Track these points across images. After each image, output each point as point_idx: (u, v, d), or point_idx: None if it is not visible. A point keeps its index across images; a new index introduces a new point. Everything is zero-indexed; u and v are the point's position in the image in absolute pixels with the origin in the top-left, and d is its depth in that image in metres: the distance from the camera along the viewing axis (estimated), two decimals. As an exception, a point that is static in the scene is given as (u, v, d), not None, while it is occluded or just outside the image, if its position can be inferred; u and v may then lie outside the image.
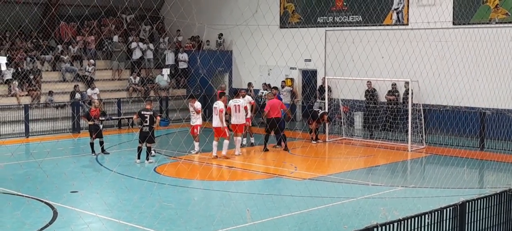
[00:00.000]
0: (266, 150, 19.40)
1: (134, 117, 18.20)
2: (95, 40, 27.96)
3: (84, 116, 19.85)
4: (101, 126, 19.08)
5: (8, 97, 23.60)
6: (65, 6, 25.59)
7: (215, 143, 18.27)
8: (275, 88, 22.24)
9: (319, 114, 21.15)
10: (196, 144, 18.77)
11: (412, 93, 20.61)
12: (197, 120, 18.70)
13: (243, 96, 19.87)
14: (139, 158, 17.53)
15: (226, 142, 18.19)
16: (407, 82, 22.71)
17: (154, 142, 17.75)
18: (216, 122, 18.24)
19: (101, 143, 18.72)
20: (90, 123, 18.66)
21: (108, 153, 18.90)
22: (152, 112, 17.51)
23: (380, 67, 20.26)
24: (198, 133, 18.71)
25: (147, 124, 17.25)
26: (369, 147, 20.18)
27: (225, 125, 18.31)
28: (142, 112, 17.53)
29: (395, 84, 22.94)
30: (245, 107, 19.24)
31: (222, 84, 26.02)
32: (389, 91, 23.26)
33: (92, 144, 18.63)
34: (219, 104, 18.28)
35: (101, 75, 27.21)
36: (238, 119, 18.67)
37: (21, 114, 22.91)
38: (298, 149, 19.63)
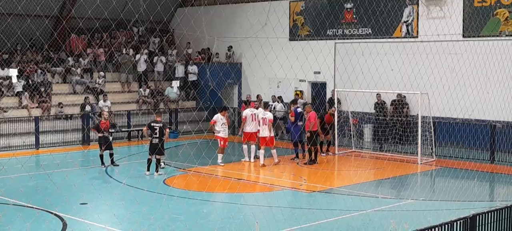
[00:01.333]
0: (314, 161, 19.43)
1: (144, 129, 18.25)
2: (105, 53, 28.10)
3: (93, 128, 19.92)
4: (111, 138, 19.15)
5: (19, 110, 23.74)
6: (76, 19, 25.77)
7: (262, 151, 18.92)
8: (294, 102, 22.23)
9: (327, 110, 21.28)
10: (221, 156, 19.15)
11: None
12: (226, 132, 19.05)
13: (257, 108, 20.20)
14: (148, 170, 17.57)
15: (274, 151, 19.07)
16: (399, 95, 22.74)
17: (163, 154, 17.78)
18: (265, 131, 18.99)
19: (111, 155, 18.76)
20: (100, 135, 18.73)
21: (118, 165, 18.95)
22: (161, 125, 17.55)
23: (389, 79, 20.23)
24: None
25: (157, 136, 17.30)
26: (378, 160, 20.11)
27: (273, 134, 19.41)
28: (152, 124, 17.58)
29: (400, 94, 22.93)
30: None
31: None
32: (393, 101, 23.20)
33: (101, 156, 18.67)
34: (268, 115, 19.20)
35: (111, 88, 27.32)
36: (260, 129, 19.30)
37: (31, 126, 23.02)
38: (307, 161, 19.58)
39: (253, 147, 19.60)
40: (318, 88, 26.60)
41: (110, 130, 19.27)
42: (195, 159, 17.95)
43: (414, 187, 16.86)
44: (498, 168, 18.81)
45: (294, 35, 26.96)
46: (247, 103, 24.36)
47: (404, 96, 23.20)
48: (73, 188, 15.22)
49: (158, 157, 17.46)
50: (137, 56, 27.88)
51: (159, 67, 28.41)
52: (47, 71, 25.78)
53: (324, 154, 21.13)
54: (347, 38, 25.11)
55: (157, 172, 17.47)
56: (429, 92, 20.54)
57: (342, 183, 17.32)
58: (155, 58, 28.36)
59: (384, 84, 20.21)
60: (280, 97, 25.71)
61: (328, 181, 17.29)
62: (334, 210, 13.60)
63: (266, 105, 20.11)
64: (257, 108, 20.18)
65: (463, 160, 19.16)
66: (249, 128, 19.27)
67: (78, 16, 25.31)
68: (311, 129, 19.26)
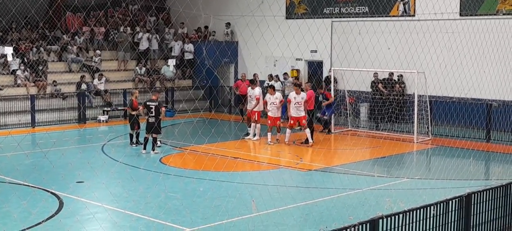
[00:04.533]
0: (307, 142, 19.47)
1: (140, 107, 18.23)
2: (101, 31, 27.95)
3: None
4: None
5: (15, 88, 23.66)
6: (71, -4, 25.61)
7: (289, 130, 19.34)
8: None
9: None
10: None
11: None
12: (274, 112, 19.38)
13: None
14: (145, 148, 17.58)
15: (288, 130, 19.29)
16: (391, 73, 22.74)
17: (160, 132, 17.77)
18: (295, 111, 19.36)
19: (138, 135, 18.77)
20: (134, 113, 18.59)
21: (142, 144, 18.25)
22: (157, 103, 17.53)
23: (386, 58, 20.19)
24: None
25: (153, 114, 17.29)
26: (375, 138, 20.15)
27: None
28: (148, 103, 17.56)
29: (392, 73, 22.93)
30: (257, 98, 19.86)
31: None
32: (383, 79, 23.15)
33: (138, 134, 18.67)
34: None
35: (107, 66, 27.23)
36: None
37: (27, 104, 22.97)
38: (303, 140, 19.61)
39: (258, 125, 19.80)
40: (315, 67, 26.56)
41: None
42: (191, 138, 17.97)
43: (410, 165, 16.91)
44: (493, 146, 18.86)
45: (290, 13, 26.85)
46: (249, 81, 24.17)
47: (401, 75, 23.17)
48: (70, 167, 15.24)
49: (154, 135, 17.47)
50: (140, 34, 27.72)
51: (154, 45, 28.28)
52: (43, 49, 25.66)
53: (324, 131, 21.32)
54: (344, 17, 25.03)
55: (153, 150, 17.48)
56: (425, 71, 20.55)
57: (338, 161, 17.35)
58: (149, 35, 28.19)
59: (380, 63, 20.16)
60: (277, 76, 25.61)
61: (324, 160, 17.32)
62: (330, 189, 13.64)
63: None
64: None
65: (459, 139, 19.21)
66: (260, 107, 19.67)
67: (73, -6, 25.15)
68: (308, 108, 19.28)
